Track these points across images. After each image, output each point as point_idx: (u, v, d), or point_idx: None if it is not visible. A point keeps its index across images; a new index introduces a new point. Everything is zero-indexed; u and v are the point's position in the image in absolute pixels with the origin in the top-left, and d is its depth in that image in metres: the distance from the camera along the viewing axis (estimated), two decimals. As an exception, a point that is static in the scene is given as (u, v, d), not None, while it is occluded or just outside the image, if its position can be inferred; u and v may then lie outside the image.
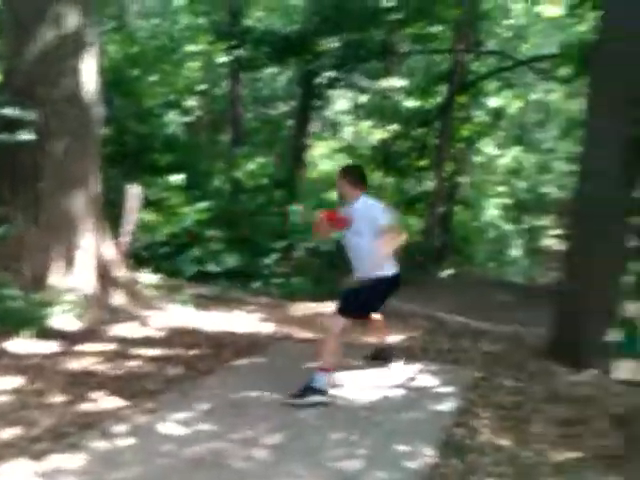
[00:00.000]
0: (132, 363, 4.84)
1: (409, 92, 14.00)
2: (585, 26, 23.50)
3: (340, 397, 4.29)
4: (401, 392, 4.45)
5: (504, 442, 3.70)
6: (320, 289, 8.34)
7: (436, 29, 11.93)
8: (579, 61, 8.84)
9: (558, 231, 27.04)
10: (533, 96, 28.85)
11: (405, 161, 13.34)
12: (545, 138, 28.98)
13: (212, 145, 16.28)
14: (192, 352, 5.31)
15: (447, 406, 4.20)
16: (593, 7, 7.53)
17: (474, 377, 4.82)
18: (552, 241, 25.41)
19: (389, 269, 4.42)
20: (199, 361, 5.05)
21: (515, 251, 19.95)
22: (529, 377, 4.93)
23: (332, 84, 12.33)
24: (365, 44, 11.00)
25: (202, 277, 8.16)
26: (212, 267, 8.30)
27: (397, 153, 12.92)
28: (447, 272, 11.88)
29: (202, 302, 7.18)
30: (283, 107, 21.06)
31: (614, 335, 5.49)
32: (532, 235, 22.74)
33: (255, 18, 18.92)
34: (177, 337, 5.76)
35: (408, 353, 5.43)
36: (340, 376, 4.52)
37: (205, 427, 3.70)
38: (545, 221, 27.04)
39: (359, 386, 4.53)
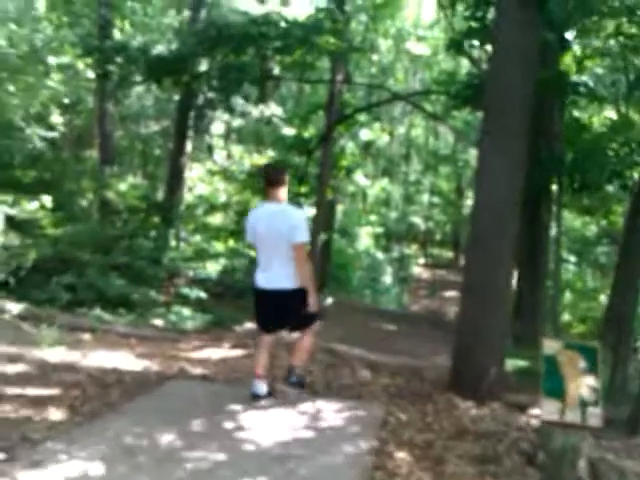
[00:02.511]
0: (6, 407, 4.22)
1: (288, 120, 13.98)
2: (452, 64, 24.98)
3: (249, 440, 3.96)
4: (312, 433, 4.20)
5: (426, 485, 3.57)
6: (206, 319, 7.91)
7: (315, 58, 11.97)
8: (455, 97, 9.19)
9: (423, 260, 28.32)
10: (400, 130, 30.24)
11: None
12: (409, 171, 30.38)
13: (78, 163, 15.28)
14: (74, 393, 4.75)
15: (361, 447, 4.01)
16: (482, 43, 7.83)
17: (382, 414, 4.67)
18: (419, 269, 26.49)
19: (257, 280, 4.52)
20: (84, 403, 4.51)
21: (387, 279, 20.48)
22: (434, 412, 4.87)
23: (211, 106, 11.99)
24: (243, 68, 10.80)
25: (76, 306, 7.46)
26: (87, 295, 7.62)
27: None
28: (328, 300, 11.83)
29: (78, 335, 6.54)
30: (154, 126, 20.36)
31: (511, 367, 5.63)
32: (402, 263, 23.52)
33: (125, 33, 18.20)
34: (54, 375, 5.15)
35: (310, 390, 5.21)
36: (248, 416, 4.20)
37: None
38: (413, 250, 28.21)
39: (268, 426, 4.22)
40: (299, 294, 4.41)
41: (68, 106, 17.17)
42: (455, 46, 8.05)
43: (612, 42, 6.24)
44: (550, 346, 3.36)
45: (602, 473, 3.84)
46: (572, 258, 16.05)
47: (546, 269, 9.09)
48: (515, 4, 4.97)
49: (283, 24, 9.58)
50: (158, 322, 7.68)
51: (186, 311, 8.19)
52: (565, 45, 7.21)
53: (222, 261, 10.61)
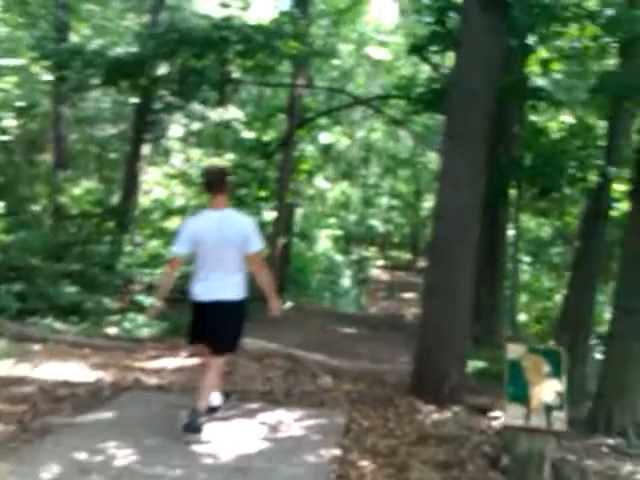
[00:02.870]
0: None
1: (248, 123, 13.84)
2: (412, 69, 25.20)
3: (208, 453, 3.84)
4: (273, 443, 4.10)
5: (389, 494, 3.51)
6: (162, 327, 7.70)
7: (276, 62, 11.88)
8: (416, 101, 9.21)
9: (382, 262, 28.44)
10: (359, 134, 30.39)
11: (244, 191, 13.11)
12: (369, 174, 30.55)
13: (32, 167, 14.85)
14: (23, 407, 4.54)
15: (324, 456, 3.93)
16: (444, 48, 7.85)
17: (344, 421, 4.60)
18: (378, 271, 26.59)
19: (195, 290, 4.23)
20: (33, 418, 4.31)
21: (345, 281, 20.45)
22: (396, 417, 4.82)
23: (169, 110, 11.77)
24: (203, 72, 10.64)
25: (26, 315, 7.18)
26: (38, 304, 7.35)
27: (237, 183, 12.63)
28: (287, 304, 11.71)
29: (27, 345, 6.28)
30: (111, 129, 19.95)
31: (471, 368, 5.62)
32: (360, 266, 23.55)
33: (82, 36, 17.79)
34: (2, 390, 4.92)
35: (270, 398, 5.11)
36: (206, 427, 4.07)
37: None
38: (372, 252, 28.29)
39: (227, 438, 4.10)
40: (241, 307, 4.21)
41: (22, 109, 16.69)
42: (417, 51, 8.04)
43: (575, 45, 6.30)
44: (514, 350, 3.34)
45: (565, 475, 3.84)
46: (527, 259, 16.30)
47: (504, 271, 9.18)
48: (479, 10, 4.98)
49: (245, 29, 9.44)
50: (112, 330, 7.45)
51: (141, 319, 7.96)
52: (528, 50, 7.28)
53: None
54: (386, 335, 10.16)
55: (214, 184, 4.14)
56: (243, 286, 4.20)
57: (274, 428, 4.35)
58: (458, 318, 5.05)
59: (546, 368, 3.31)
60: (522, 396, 3.24)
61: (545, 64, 7.01)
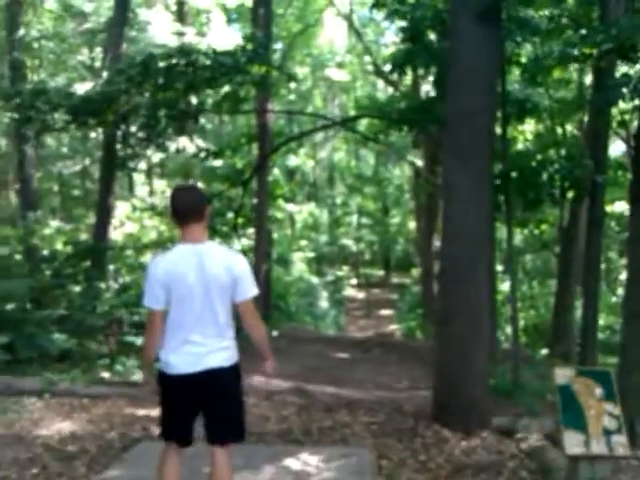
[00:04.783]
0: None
1: (217, 152, 13.65)
2: (370, 89, 25.36)
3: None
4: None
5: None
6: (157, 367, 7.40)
7: (247, 90, 11.78)
8: (397, 120, 9.20)
9: (355, 280, 28.42)
10: (321, 154, 30.50)
11: (220, 220, 12.91)
12: (335, 194, 30.65)
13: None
14: (31, 471, 4.25)
15: (364, 499, 3.76)
16: (425, 64, 7.83)
17: (372, 457, 4.44)
18: (352, 290, 26.53)
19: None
20: (47, 483, 4.04)
21: (323, 303, 20.35)
22: (424, 448, 4.68)
23: (141, 144, 11.49)
24: (173, 104, 10.47)
25: (15, 367, 6.83)
26: (27, 353, 7.00)
27: (214, 213, 12.43)
28: (273, 332, 11.51)
29: (23, 399, 5.96)
30: (73, 166, 19.55)
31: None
32: (336, 286, 23.46)
33: (37, 73, 17.43)
34: (4, 450, 4.62)
35: (289, 438, 4.91)
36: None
37: None
38: (344, 271, 28.27)
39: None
40: (237, 376, 3.16)
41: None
42: (398, 69, 7.98)
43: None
44: (562, 375, 3.24)
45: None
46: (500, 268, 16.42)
47: (495, 284, 9.18)
48: (474, 22, 4.87)
49: (211, 53, 9.31)
50: (105, 375, 7.15)
51: (132, 361, 7.67)
52: (510, 60, 7.32)
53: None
54: (380, 357, 10.04)
55: (187, 211, 3.04)
56: (235, 347, 3.14)
57: (304, 474, 4.15)
58: (479, 340, 4.93)
59: (598, 390, 3.23)
60: (579, 422, 3.14)
61: (531, 74, 7.03)
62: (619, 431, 3.11)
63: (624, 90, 5.05)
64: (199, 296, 2.99)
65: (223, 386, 3.07)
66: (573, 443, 3.09)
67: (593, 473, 3.04)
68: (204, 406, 3.09)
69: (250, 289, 3.08)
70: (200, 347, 3.01)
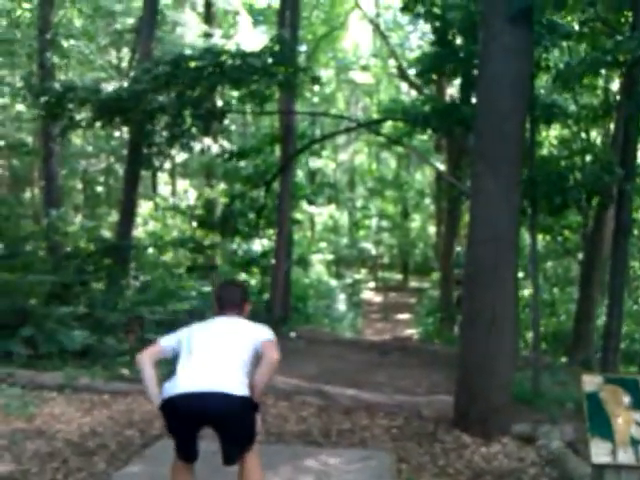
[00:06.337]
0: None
1: (241, 153, 13.70)
2: (393, 92, 25.29)
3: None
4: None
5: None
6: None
7: (271, 90, 11.76)
8: (421, 123, 9.14)
9: (374, 284, 28.33)
10: (342, 157, 30.51)
11: (244, 220, 12.96)
12: (355, 197, 30.60)
13: (19, 206, 14.54)
14: (53, 465, 4.29)
15: (384, 503, 3.73)
16: (454, 68, 7.80)
17: (392, 460, 4.41)
18: (370, 293, 26.46)
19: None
20: (67, 476, 4.07)
21: (341, 305, 20.30)
22: (444, 452, 4.65)
23: (169, 142, 11.54)
24: (199, 103, 10.53)
25: (36, 362, 6.91)
26: (48, 348, 7.08)
27: (236, 213, 12.49)
28: (292, 333, 11.52)
29: (44, 394, 6.02)
30: (98, 164, 19.77)
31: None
32: (354, 289, 23.40)
33: (67, 72, 17.65)
34: (25, 444, 4.67)
35: (308, 439, 4.90)
36: None
37: None
38: (362, 274, 28.19)
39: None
40: (249, 404, 3.11)
41: (7, 147, 16.44)
42: (426, 73, 7.95)
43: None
44: (591, 382, 3.19)
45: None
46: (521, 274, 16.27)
47: (517, 289, 9.09)
48: (506, 25, 4.83)
49: (239, 55, 9.35)
50: (125, 371, 7.19)
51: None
52: (538, 65, 7.25)
53: (188, 300, 10.14)
54: (399, 361, 9.96)
55: (226, 305, 3.34)
56: (247, 385, 3.09)
57: (324, 474, 4.14)
58: (503, 346, 4.88)
59: (626, 399, 3.17)
60: (606, 431, 3.09)
61: (563, 81, 6.94)
62: (646, 440, 3.05)
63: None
64: (215, 341, 3.14)
65: (230, 407, 3.03)
66: (600, 452, 3.04)
67: (619, 483, 2.99)
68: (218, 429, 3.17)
69: (266, 333, 3.22)
70: (207, 372, 3.03)
